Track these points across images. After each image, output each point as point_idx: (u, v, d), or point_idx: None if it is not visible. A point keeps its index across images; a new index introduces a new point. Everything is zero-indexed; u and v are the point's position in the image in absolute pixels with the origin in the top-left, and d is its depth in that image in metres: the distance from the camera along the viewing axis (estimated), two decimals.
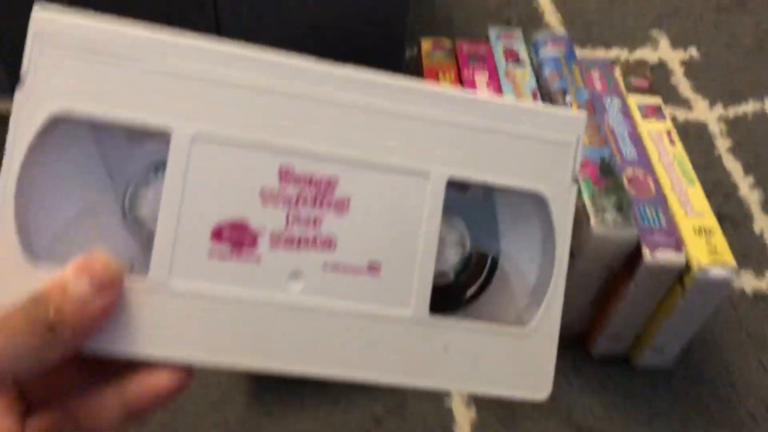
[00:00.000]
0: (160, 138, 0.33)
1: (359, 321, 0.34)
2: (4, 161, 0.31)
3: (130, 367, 0.33)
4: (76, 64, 0.32)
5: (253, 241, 0.34)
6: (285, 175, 0.34)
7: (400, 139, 0.34)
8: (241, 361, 0.33)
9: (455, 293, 0.37)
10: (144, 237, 0.34)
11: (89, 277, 0.30)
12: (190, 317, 0.32)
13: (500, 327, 0.36)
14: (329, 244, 0.34)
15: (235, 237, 0.33)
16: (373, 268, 0.34)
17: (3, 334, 0.28)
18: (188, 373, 0.33)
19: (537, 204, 0.36)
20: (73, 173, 0.33)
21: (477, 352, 0.35)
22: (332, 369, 0.34)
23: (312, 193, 0.34)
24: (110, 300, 0.31)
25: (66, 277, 0.30)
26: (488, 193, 0.37)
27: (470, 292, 0.37)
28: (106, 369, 0.34)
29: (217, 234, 0.33)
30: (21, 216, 0.31)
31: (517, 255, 0.38)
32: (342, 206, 0.34)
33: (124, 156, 0.34)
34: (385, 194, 0.34)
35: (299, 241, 0.34)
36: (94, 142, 0.33)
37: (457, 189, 0.36)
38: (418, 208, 0.35)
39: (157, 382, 0.32)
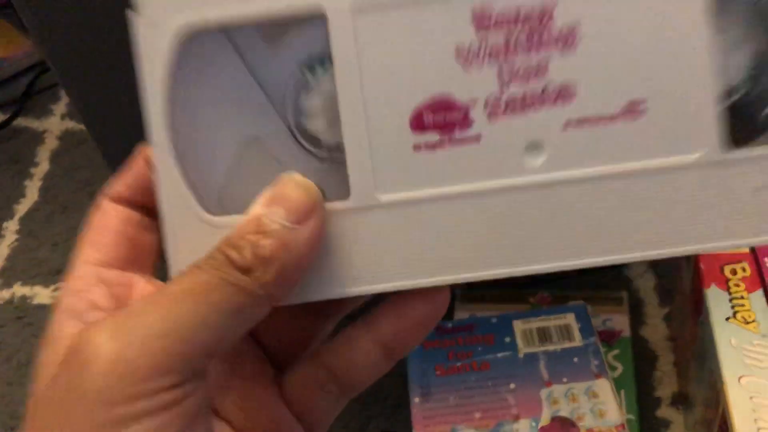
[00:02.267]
0: (304, 27, 0.24)
1: (630, 183, 0.23)
2: (146, 103, 0.24)
3: (372, 302, 0.26)
4: None
5: (465, 117, 0.24)
6: (481, 19, 0.24)
7: None
8: (498, 269, 0.24)
9: (753, 111, 0.25)
10: (326, 154, 0.25)
11: (285, 205, 0.22)
12: (417, 232, 0.23)
13: None
14: (566, 93, 0.23)
15: (441, 119, 0.24)
16: (633, 108, 0.24)
17: (192, 301, 0.21)
18: (444, 293, 0.25)
19: None
20: (223, 100, 0.24)
21: None
22: (612, 253, 0.24)
23: (524, 33, 0.23)
24: (315, 228, 0.23)
25: (257, 211, 0.22)
26: None
27: None
28: (344, 307, 0.28)
29: (418, 122, 0.24)
30: (183, 163, 0.25)
31: None
32: (569, 39, 0.24)
33: (270, 63, 0.25)
34: (623, 3, 0.22)
35: (524, 101, 0.24)
36: (234, 59, 0.24)
37: None
38: (675, 6, 0.22)
39: (412, 312, 0.25)
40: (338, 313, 0.27)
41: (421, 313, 0.24)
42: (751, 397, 0.36)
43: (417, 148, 0.23)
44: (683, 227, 0.23)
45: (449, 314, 0.48)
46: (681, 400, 0.46)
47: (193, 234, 0.24)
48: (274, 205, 0.23)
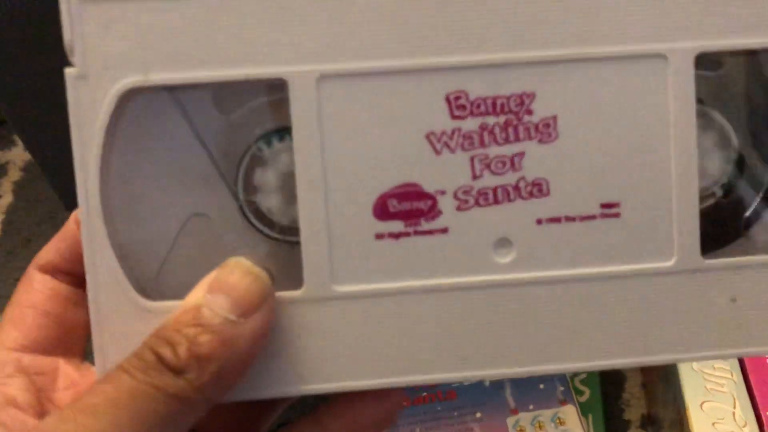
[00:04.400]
0: (263, 97, 0.21)
1: (602, 287, 0.21)
2: (77, 167, 0.21)
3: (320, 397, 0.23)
4: (135, 17, 0.20)
5: (433, 207, 0.21)
6: (456, 105, 0.20)
7: (607, 17, 0.20)
8: (458, 372, 0.21)
9: (727, 216, 0.22)
10: (278, 235, 0.22)
11: (230, 295, 0.19)
12: (374, 328, 0.20)
13: None
14: (539, 188, 0.21)
15: (407, 208, 0.20)
16: (608, 210, 0.22)
17: (115, 413, 0.17)
18: (399, 393, 0.21)
19: None
20: (167, 170, 0.21)
21: None
22: (580, 360, 0.22)
23: (500, 122, 0.20)
24: (262, 322, 0.19)
25: (197, 299, 0.19)
26: (751, 64, 0.22)
27: (750, 210, 0.23)
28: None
29: (382, 209, 0.21)
30: (116, 238, 0.20)
31: None
32: (547, 131, 0.21)
33: (223, 134, 0.21)
34: (605, 99, 0.20)
35: (496, 194, 0.21)
36: (183, 127, 0.21)
37: (703, 69, 0.23)
38: (658, 107, 0.20)
39: (365, 413, 0.21)
40: (283, 404, 0.24)
41: (375, 415, 0.22)
42: (713, 423, 0.35)
43: (379, 236, 0.21)
44: (657, 336, 0.21)
45: None
46: (650, 422, 0.44)
47: (124, 320, 0.20)
48: (217, 294, 0.19)
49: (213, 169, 0.21)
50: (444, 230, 0.21)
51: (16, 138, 0.72)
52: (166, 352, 0.18)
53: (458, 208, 0.21)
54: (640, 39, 0.20)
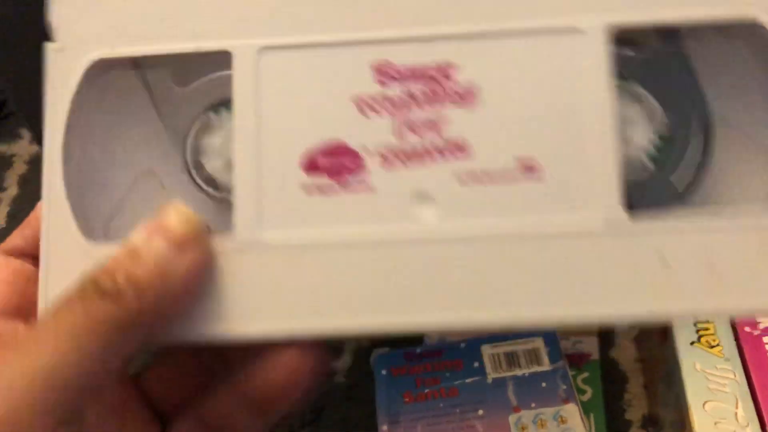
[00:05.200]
0: (212, 69, 0.23)
1: (527, 242, 0.21)
2: (46, 127, 0.24)
3: (247, 353, 0.22)
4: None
5: (359, 164, 0.22)
6: (382, 72, 0.22)
7: None
8: (378, 321, 0.21)
9: (663, 186, 0.23)
10: (220, 195, 0.23)
11: (165, 235, 0.20)
12: (301, 278, 0.21)
13: (740, 217, 0.21)
14: (460, 148, 0.22)
15: (334, 163, 0.22)
16: (530, 168, 0.23)
17: (55, 340, 0.18)
18: (323, 346, 0.22)
19: (753, 39, 0.22)
20: (124, 132, 0.23)
21: (710, 257, 0.21)
22: (504, 313, 0.22)
23: (424, 89, 0.22)
24: (196, 259, 0.20)
25: (135, 240, 0.20)
26: (674, 42, 0.23)
27: (683, 187, 0.23)
28: (228, 357, 0.24)
29: (311, 164, 0.22)
30: (72, 190, 0.22)
31: (740, 115, 0.23)
32: (468, 97, 0.23)
33: (178, 105, 0.23)
34: (523, 70, 0.21)
35: (420, 154, 0.22)
36: (143, 97, 0.23)
37: (627, 46, 0.24)
38: (574, 77, 0.21)
39: (284, 366, 0.22)
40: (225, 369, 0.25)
41: (296, 369, 0.21)
42: (715, 423, 0.34)
43: (308, 191, 0.22)
44: (582, 295, 0.21)
45: (419, 340, 0.45)
46: (651, 422, 0.43)
47: (70, 262, 0.22)
48: (154, 234, 0.20)
49: (166, 135, 0.23)
50: (369, 186, 0.22)
51: (22, 131, 0.71)
52: (106, 281, 0.19)
53: (383, 166, 0.22)
54: (554, 13, 0.22)
